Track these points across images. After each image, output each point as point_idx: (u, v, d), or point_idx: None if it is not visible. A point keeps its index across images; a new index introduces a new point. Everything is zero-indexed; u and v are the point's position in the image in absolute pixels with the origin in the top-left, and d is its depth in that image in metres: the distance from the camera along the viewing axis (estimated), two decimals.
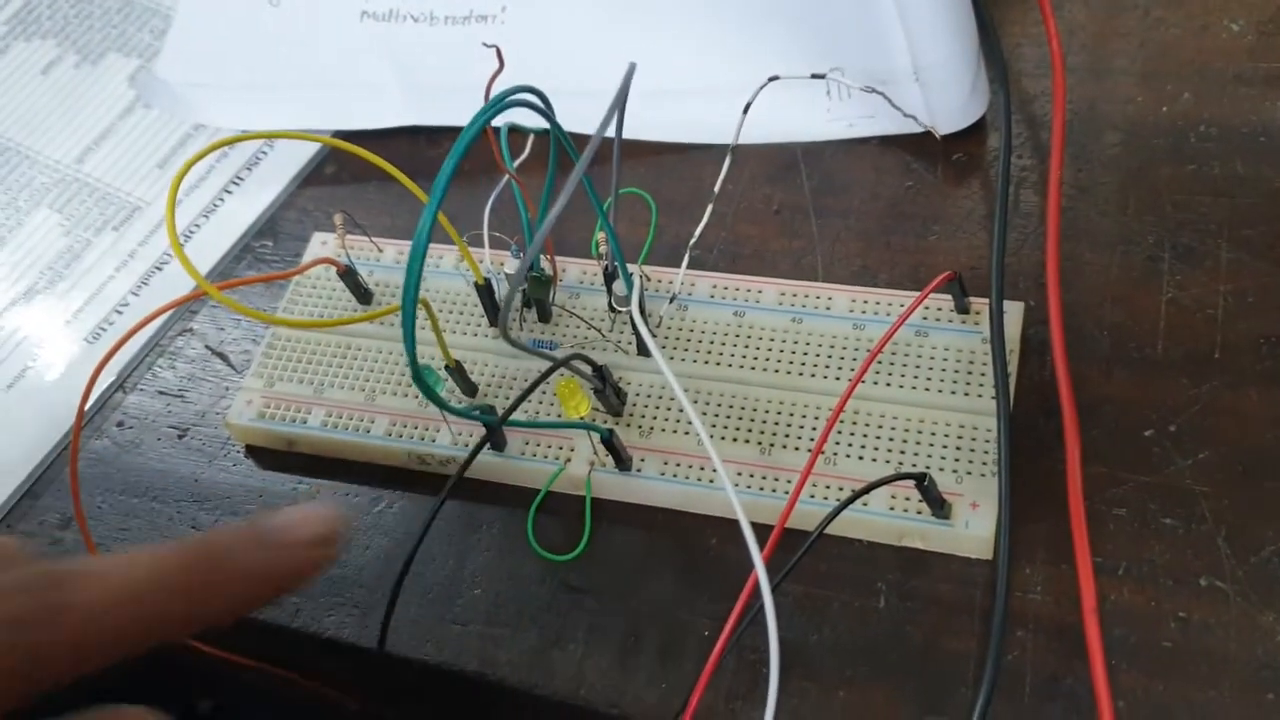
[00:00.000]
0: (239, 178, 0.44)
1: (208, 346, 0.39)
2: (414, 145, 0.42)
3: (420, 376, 0.27)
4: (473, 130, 0.24)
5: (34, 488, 0.37)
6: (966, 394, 0.32)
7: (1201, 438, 0.31)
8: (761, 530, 0.28)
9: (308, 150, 0.44)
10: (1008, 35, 0.40)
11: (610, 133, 0.24)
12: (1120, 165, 0.36)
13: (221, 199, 0.44)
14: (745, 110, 0.32)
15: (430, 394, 0.29)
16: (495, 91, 0.27)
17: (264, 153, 0.44)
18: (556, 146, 0.31)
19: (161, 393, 0.39)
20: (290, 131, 0.42)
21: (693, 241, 0.35)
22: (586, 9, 0.41)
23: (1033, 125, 0.38)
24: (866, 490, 0.28)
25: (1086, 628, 0.26)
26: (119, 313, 0.41)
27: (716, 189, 0.34)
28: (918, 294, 0.33)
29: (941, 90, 0.36)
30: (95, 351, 0.40)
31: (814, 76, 0.33)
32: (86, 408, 0.35)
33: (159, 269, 0.42)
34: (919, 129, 0.37)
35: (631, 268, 0.34)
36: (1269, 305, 0.32)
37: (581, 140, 0.29)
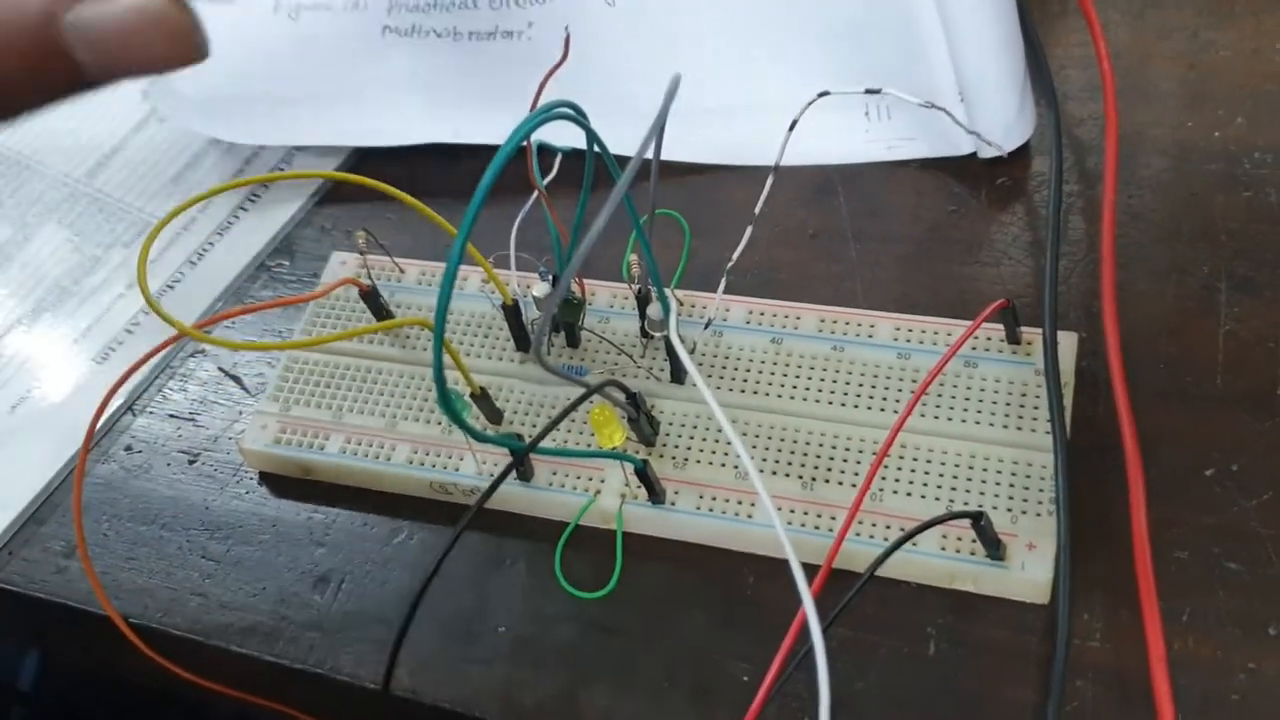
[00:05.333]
0: (255, 194, 0.43)
1: (220, 368, 0.38)
2: (436, 163, 0.40)
3: (448, 401, 0.26)
4: (511, 144, 0.22)
5: (38, 513, 0.36)
6: (1019, 428, 0.30)
7: (1266, 477, 0.29)
8: (806, 570, 0.26)
9: (326, 165, 0.43)
10: (1051, 57, 0.39)
11: (651, 148, 0.23)
12: (1171, 192, 0.35)
13: (236, 216, 0.42)
14: (791, 128, 0.31)
15: (457, 419, 0.27)
16: (548, 87, 0.26)
17: (281, 168, 0.43)
18: (593, 164, 0.29)
19: (172, 416, 0.37)
20: (290, 173, 0.41)
21: (730, 265, 0.34)
22: (613, 26, 0.40)
23: (1079, 150, 0.36)
24: (920, 530, 0.27)
25: (1154, 678, 0.25)
26: (129, 332, 0.40)
27: (757, 210, 0.33)
28: (963, 322, 0.32)
29: (988, 111, 0.34)
30: (104, 372, 0.39)
31: (868, 91, 0.32)
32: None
33: (170, 287, 0.41)
34: (961, 152, 0.36)
35: (666, 291, 0.33)
36: None
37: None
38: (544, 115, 0.24)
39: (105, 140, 0.46)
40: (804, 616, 0.24)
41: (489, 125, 0.40)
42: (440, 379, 0.24)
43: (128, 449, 0.37)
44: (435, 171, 0.40)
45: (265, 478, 0.35)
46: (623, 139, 0.35)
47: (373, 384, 0.35)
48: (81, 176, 0.45)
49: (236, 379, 0.37)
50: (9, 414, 0.39)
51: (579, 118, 0.25)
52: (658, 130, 0.23)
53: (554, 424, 0.29)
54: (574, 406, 0.29)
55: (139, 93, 0.46)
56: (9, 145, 0.46)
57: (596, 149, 0.27)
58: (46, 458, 0.37)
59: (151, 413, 0.37)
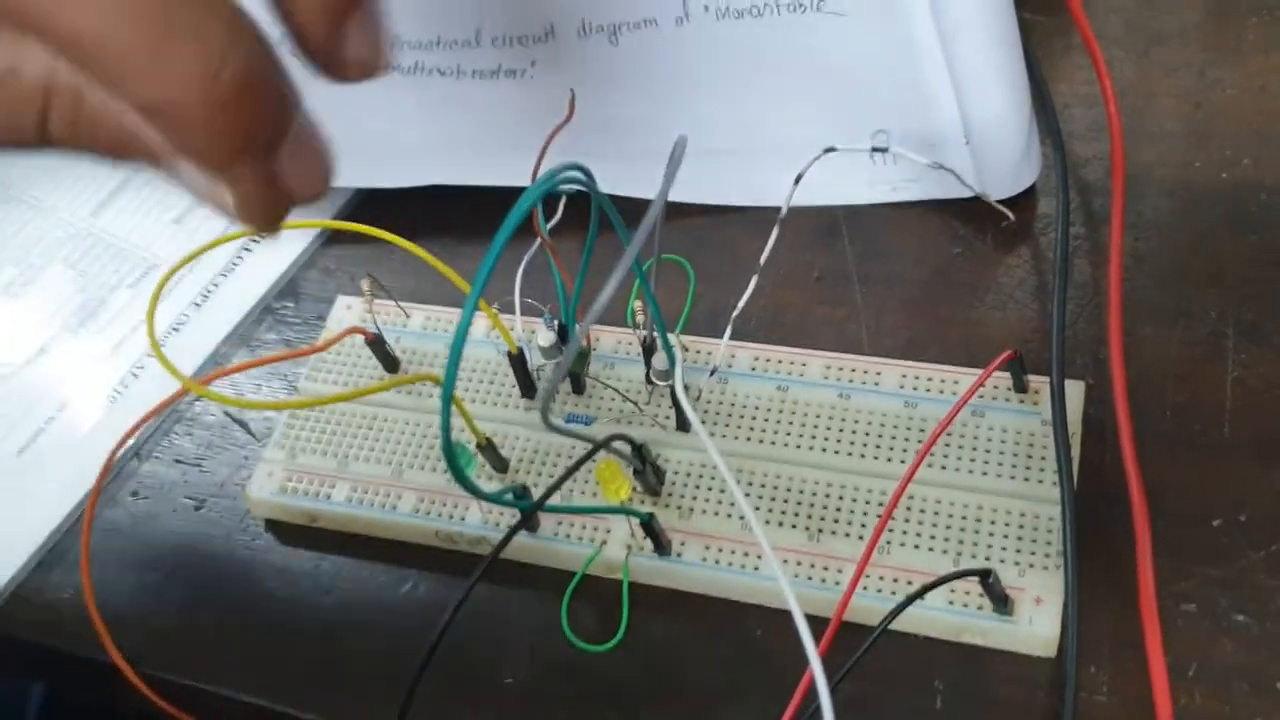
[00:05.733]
0: (259, 235, 0.43)
1: (227, 413, 0.38)
2: (440, 202, 0.40)
3: (454, 461, 0.26)
4: (519, 213, 0.22)
5: (47, 558, 0.36)
6: (1027, 479, 0.30)
7: (1274, 528, 0.29)
8: (810, 622, 0.26)
9: (330, 205, 0.43)
10: (1055, 95, 0.38)
11: (660, 205, 0.23)
12: (1178, 235, 0.35)
13: (241, 257, 0.42)
14: (797, 181, 0.31)
15: (463, 480, 0.27)
16: (554, 143, 0.26)
17: None
18: (598, 216, 0.29)
19: (178, 461, 0.37)
20: (290, 223, 0.41)
21: (735, 313, 0.34)
22: (615, 68, 0.40)
23: (1085, 191, 0.36)
24: (931, 587, 0.27)
25: None
26: (134, 376, 0.40)
27: (763, 259, 0.33)
28: (970, 369, 0.32)
29: (993, 154, 0.34)
30: (111, 415, 0.39)
31: (874, 150, 0.32)
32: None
33: (176, 330, 0.41)
34: (966, 194, 0.36)
35: (671, 337, 0.33)
36: None
37: (618, 204, 0.27)
38: (550, 182, 0.24)
39: (108, 181, 0.46)
40: (811, 677, 0.24)
41: (493, 165, 0.40)
42: (447, 441, 0.24)
43: (134, 494, 0.37)
44: (439, 210, 0.40)
45: (271, 525, 0.35)
46: (627, 179, 0.35)
47: (379, 432, 0.35)
48: (85, 216, 0.45)
49: (243, 424, 0.37)
50: (16, 457, 0.39)
51: (586, 181, 0.25)
52: (663, 197, 0.23)
53: (559, 482, 0.29)
54: (579, 464, 0.29)
55: None
56: (13, 185, 0.47)
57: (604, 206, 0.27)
58: (54, 501, 0.37)
59: (158, 458, 0.37)
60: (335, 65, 0.23)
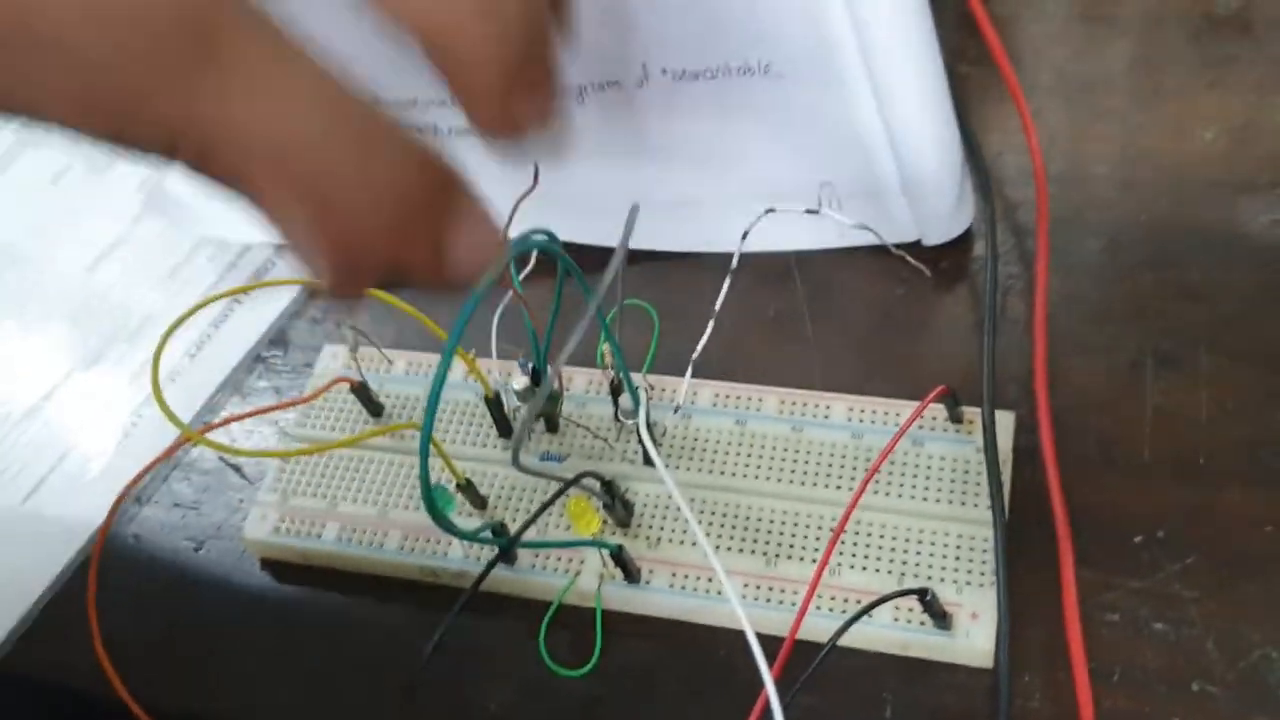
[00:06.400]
0: (248, 291, 0.45)
1: (221, 458, 0.40)
2: None
3: (434, 505, 0.28)
4: (488, 280, 0.25)
5: (52, 603, 0.38)
6: (963, 503, 0.33)
7: (1189, 542, 0.32)
8: (768, 641, 0.29)
9: None
10: (989, 144, 0.41)
11: (617, 265, 0.25)
12: (1103, 272, 0.38)
13: (231, 309, 0.45)
14: (744, 236, 0.34)
15: (444, 522, 0.29)
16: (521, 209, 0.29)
17: (273, 262, 0.46)
18: (563, 275, 0.32)
19: (176, 505, 0.40)
20: (274, 280, 0.44)
21: (695, 354, 0.36)
22: (582, 121, 0.43)
23: (1018, 233, 0.39)
24: (872, 606, 0.29)
25: None
26: (134, 424, 0.42)
27: (718, 306, 0.35)
28: (913, 402, 0.35)
29: (928, 203, 0.37)
30: (110, 464, 0.41)
31: (808, 212, 0.34)
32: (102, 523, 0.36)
33: (172, 380, 0.43)
34: (908, 238, 0.39)
35: (636, 377, 0.36)
36: (1250, 411, 0.34)
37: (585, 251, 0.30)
38: (521, 246, 0.26)
39: (104, 235, 0.48)
40: (766, 697, 0.27)
41: None
42: (426, 489, 0.27)
43: (135, 538, 0.39)
44: None
45: (266, 564, 0.37)
46: (592, 230, 0.38)
47: (365, 475, 0.37)
48: (81, 272, 0.47)
49: (237, 468, 0.40)
50: (20, 505, 0.41)
51: (551, 245, 0.28)
52: (620, 260, 0.26)
53: (531, 520, 0.32)
54: (550, 502, 0.31)
55: (135, 187, 0.49)
56: (10, 241, 0.49)
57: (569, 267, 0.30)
58: (58, 548, 0.39)
59: (157, 502, 0.40)
60: (508, 137, 0.26)
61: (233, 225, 0.46)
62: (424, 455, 0.25)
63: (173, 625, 0.37)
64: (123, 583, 0.38)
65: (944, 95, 0.35)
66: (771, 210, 0.34)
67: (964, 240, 0.39)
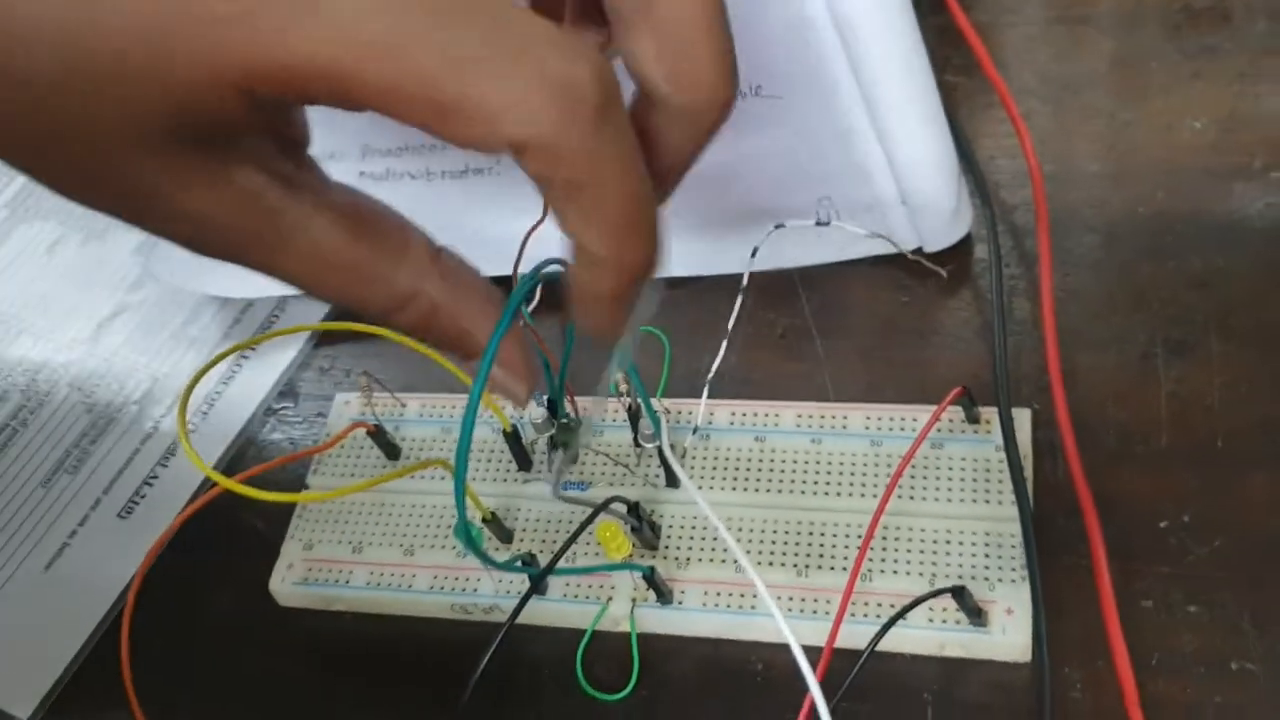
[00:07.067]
0: (255, 345, 0.45)
1: (243, 512, 0.40)
2: None
3: (470, 538, 0.28)
4: (514, 304, 0.25)
5: (80, 671, 0.38)
6: (988, 501, 0.33)
7: (1215, 525, 0.32)
8: (806, 651, 0.29)
9: (320, 309, 0.45)
10: (981, 149, 0.42)
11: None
12: (1104, 267, 0.38)
13: (239, 364, 0.45)
14: (753, 254, 0.34)
15: (478, 552, 0.30)
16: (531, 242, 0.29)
17: (276, 315, 0.46)
18: None
19: (202, 562, 0.39)
20: (283, 329, 0.44)
21: (710, 374, 0.36)
22: None
23: (1017, 235, 0.40)
24: (909, 608, 0.30)
25: None
26: (149, 485, 0.42)
27: (731, 323, 0.36)
28: (927, 406, 0.35)
29: (927, 212, 0.38)
30: (128, 527, 0.41)
31: (818, 224, 0.35)
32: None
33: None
34: (909, 248, 0.39)
35: (654, 403, 0.36)
36: (1262, 391, 0.34)
37: None
38: (532, 280, 0.26)
39: (106, 301, 0.48)
40: (812, 702, 0.27)
41: (470, 258, 0.43)
42: (463, 519, 0.27)
43: (164, 596, 0.39)
44: None
45: (295, 613, 0.37)
46: None
47: (388, 517, 0.37)
48: (86, 339, 0.47)
49: (262, 521, 0.40)
50: (43, 574, 0.41)
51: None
52: None
53: (565, 547, 0.32)
54: (581, 530, 0.31)
55: (131, 251, 0.49)
56: (11, 312, 0.49)
57: None
58: (85, 615, 0.39)
59: (183, 560, 0.40)
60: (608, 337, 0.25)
61: (234, 282, 0.46)
62: (460, 480, 0.25)
63: (205, 681, 0.37)
64: (152, 641, 0.38)
65: (936, 105, 0.36)
66: (781, 225, 0.34)
67: (964, 245, 0.39)
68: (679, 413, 0.37)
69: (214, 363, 0.36)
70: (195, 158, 0.21)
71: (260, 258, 0.23)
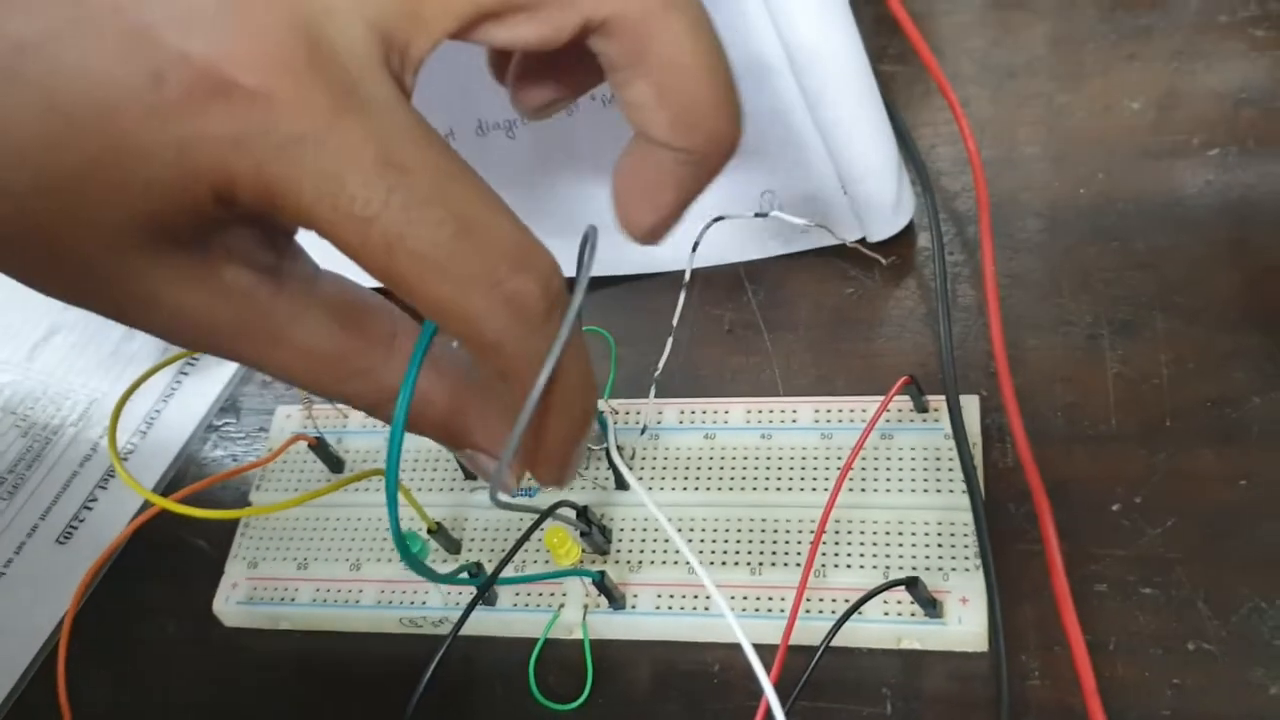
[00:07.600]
0: (192, 359, 0.44)
1: (183, 532, 0.39)
2: None
3: (407, 551, 0.27)
4: (424, 341, 0.24)
5: (22, 697, 0.37)
6: (939, 490, 0.33)
7: (1166, 505, 0.32)
8: (761, 650, 0.28)
9: None
10: (921, 137, 0.42)
11: (580, 296, 0.25)
12: (1047, 250, 0.38)
13: (179, 381, 0.44)
14: (694, 248, 0.34)
15: (418, 566, 0.29)
16: None
17: None
18: None
19: (142, 582, 0.38)
20: None
21: (657, 373, 0.36)
22: (515, 158, 0.43)
23: (959, 221, 0.39)
24: (861, 602, 0.29)
25: (1090, 710, 0.27)
26: (88, 509, 0.41)
27: (676, 319, 0.35)
28: (876, 398, 0.35)
29: (869, 201, 0.37)
30: (67, 552, 0.40)
31: (757, 215, 0.34)
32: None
33: (125, 459, 0.42)
34: (852, 238, 0.39)
35: (600, 404, 0.35)
36: (1209, 369, 0.34)
37: None
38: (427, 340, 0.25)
39: (40, 321, 0.47)
40: (767, 704, 0.26)
41: None
42: (397, 533, 0.26)
43: (103, 621, 0.38)
44: None
45: (240, 632, 0.37)
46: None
47: (333, 532, 0.36)
48: (20, 361, 0.46)
49: (203, 541, 0.39)
50: None
51: None
52: (582, 287, 0.25)
53: (510, 555, 0.31)
54: (527, 535, 0.31)
55: None
56: None
57: None
58: (21, 648, 0.38)
59: (123, 582, 0.39)
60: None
61: None
62: (391, 495, 0.24)
63: (151, 708, 0.36)
64: (93, 664, 0.37)
65: (875, 94, 0.36)
66: (720, 218, 0.34)
67: (907, 234, 0.39)
68: (627, 413, 0.37)
69: (143, 379, 0.34)
70: (180, 257, 0.21)
71: (252, 354, 0.23)
